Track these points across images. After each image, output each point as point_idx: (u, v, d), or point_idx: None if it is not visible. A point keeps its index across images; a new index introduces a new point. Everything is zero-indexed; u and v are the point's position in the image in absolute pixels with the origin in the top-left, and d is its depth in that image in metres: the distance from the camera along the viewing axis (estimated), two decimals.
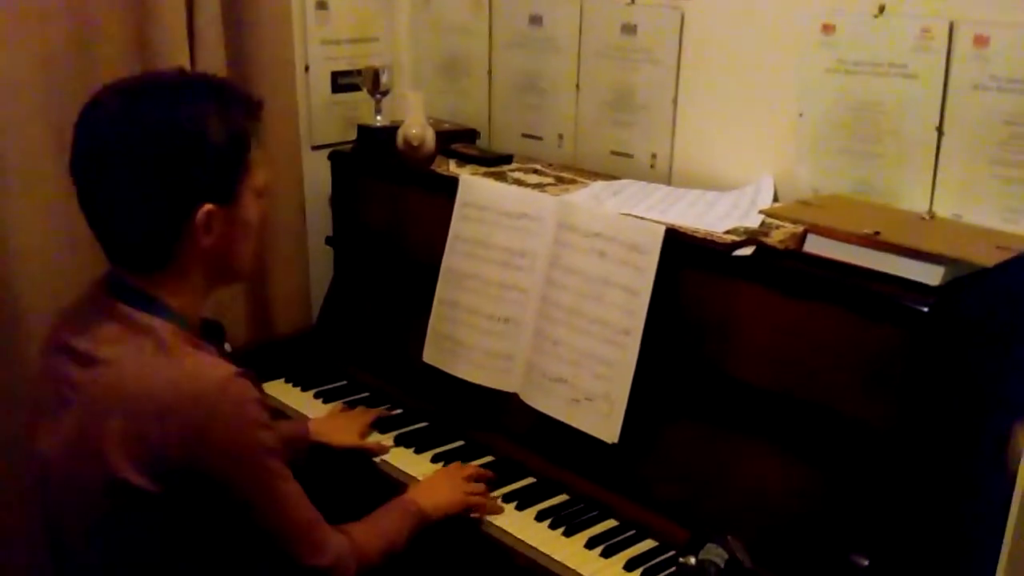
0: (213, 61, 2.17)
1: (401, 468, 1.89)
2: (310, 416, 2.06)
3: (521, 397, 1.90)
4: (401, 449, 1.95)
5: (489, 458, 1.90)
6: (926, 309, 1.44)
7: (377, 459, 1.93)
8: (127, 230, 1.38)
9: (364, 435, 1.99)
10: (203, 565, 1.38)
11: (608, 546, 1.64)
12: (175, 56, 2.08)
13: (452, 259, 2.03)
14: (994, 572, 1.36)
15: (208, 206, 1.36)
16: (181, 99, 1.36)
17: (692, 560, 0.97)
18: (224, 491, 1.33)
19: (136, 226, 1.37)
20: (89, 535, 1.37)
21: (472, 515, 1.73)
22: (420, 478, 1.84)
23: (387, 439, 1.98)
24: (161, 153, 1.32)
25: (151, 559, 1.35)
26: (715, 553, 0.96)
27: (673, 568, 1.45)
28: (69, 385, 1.37)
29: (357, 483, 1.92)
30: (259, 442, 1.36)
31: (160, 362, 1.33)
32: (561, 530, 1.68)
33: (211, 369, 1.35)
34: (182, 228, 1.36)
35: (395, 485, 1.86)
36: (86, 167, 1.36)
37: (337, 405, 2.11)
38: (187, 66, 2.11)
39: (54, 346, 1.43)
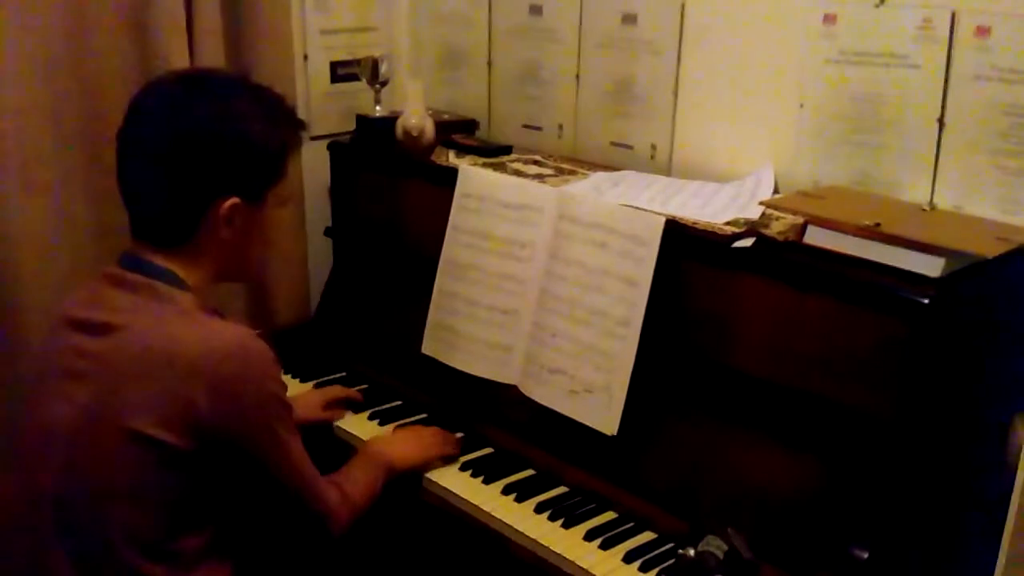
0: (212, 50, 2.16)
1: None
2: None
3: (520, 389, 1.89)
4: None
5: (488, 450, 1.90)
6: (926, 301, 1.44)
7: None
8: (154, 204, 1.46)
9: (328, 408, 2.05)
10: (216, 519, 1.46)
11: (607, 538, 1.63)
12: (173, 46, 2.08)
13: (451, 250, 2.02)
14: (994, 563, 1.35)
15: (235, 199, 1.45)
16: (233, 97, 1.46)
17: (691, 552, 0.97)
18: (248, 444, 1.42)
19: (162, 202, 1.45)
20: (109, 498, 1.39)
21: (433, 467, 1.83)
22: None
23: (387, 430, 1.97)
24: (203, 141, 1.42)
25: (169, 518, 1.40)
26: (714, 545, 0.96)
27: (672, 560, 1.45)
28: (81, 356, 1.42)
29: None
30: (281, 399, 1.47)
31: (183, 324, 1.42)
32: (560, 522, 1.68)
33: (235, 330, 1.45)
34: (207, 213, 1.45)
35: (399, 478, 1.86)
36: (129, 143, 1.46)
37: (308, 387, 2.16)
38: (185, 56, 2.11)
39: (61, 322, 1.48)
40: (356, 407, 2.07)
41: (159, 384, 1.36)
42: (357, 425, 2.01)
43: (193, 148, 1.41)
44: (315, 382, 2.18)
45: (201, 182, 1.43)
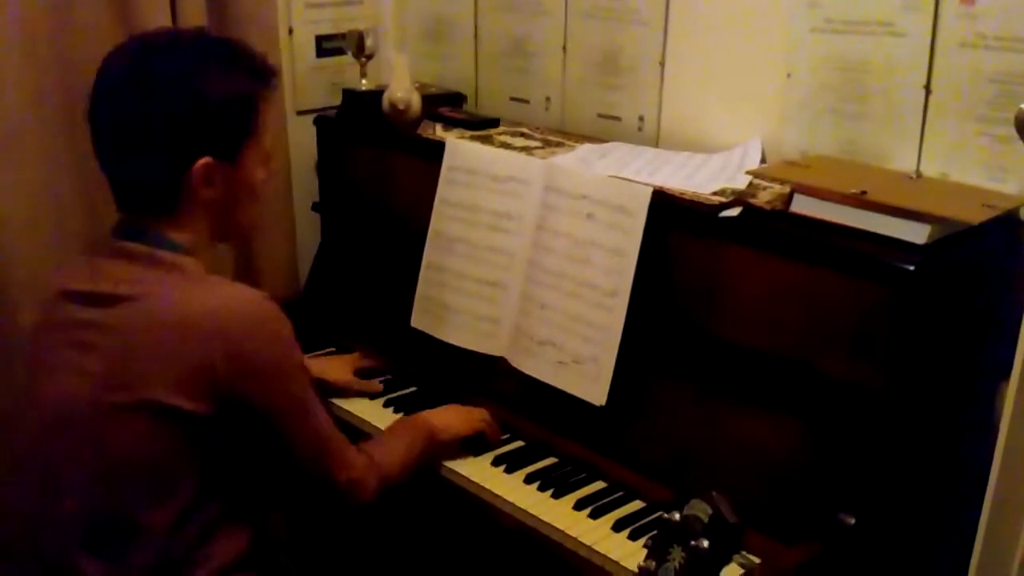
0: (195, 24, 2.14)
1: None
2: None
3: (509, 361, 1.90)
4: (391, 414, 1.95)
5: None
6: (912, 268, 1.44)
7: (365, 424, 1.93)
8: (131, 173, 1.46)
9: (360, 372, 2.06)
10: (234, 485, 1.46)
11: (596, 507, 1.64)
12: (156, 20, 2.06)
13: (439, 223, 2.02)
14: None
15: (206, 159, 1.43)
16: (189, 56, 1.44)
17: (676, 516, 0.97)
18: (265, 404, 1.42)
19: (139, 170, 1.44)
20: (125, 469, 1.39)
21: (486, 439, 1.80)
22: None
23: (377, 404, 1.98)
24: (162, 105, 1.40)
25: (187, 486, 1.41)
26: (699, 508, 0.97)
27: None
28: (89, 328, 1.41)
29: None
30: (297, 360, 1.48)
31: (192, 288, 1.42)
32: (550, 492, 1.69)
33: (245, 291, 1.45)
34: (182, 177, 1.43)
35: None
36: (97, 112, 1.45)
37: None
38: None
39: (58, 297, 1.47)
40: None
41: (173, 350, 1.36)
42: (345, 399, 2.01)
43: (154, 113, 1.40)
44: (304, 357, 2.17)
45: (169, 146, 1.42)
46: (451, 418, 1.80)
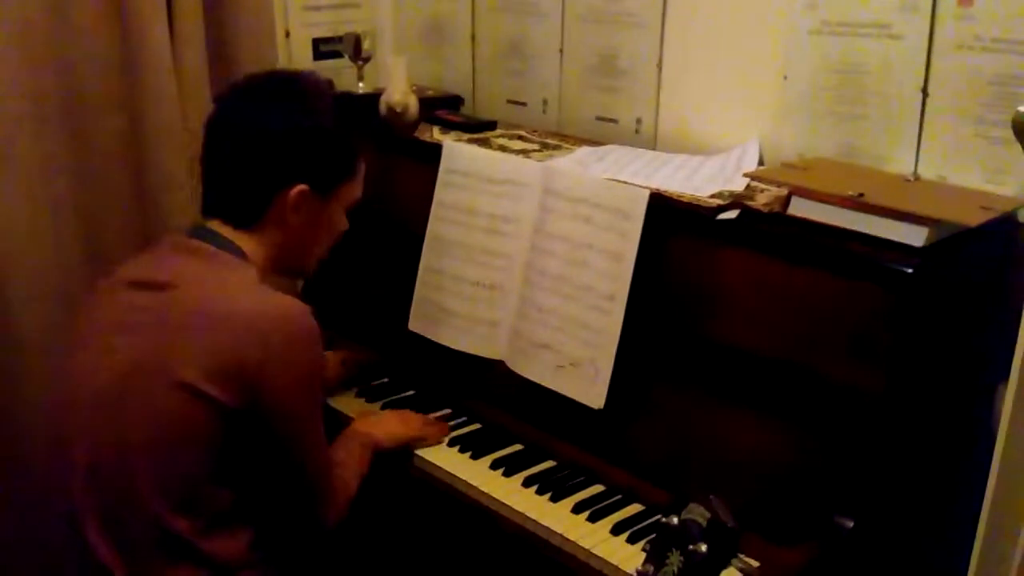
0: (192, 28, 2.14)
1: None
2: None
3: (507, 364, 1.89)
4: None
5: (476, 425, 1.90)
6: (911, 270, 1.44)
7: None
8: (231, 183, 1.55)
9: (348, 363, 2.09)
10: (239, 484, 1.48)
11: (595, 511, 1.64)
12: (153, 24, 2.06)
13: (437, 226, 2.02)
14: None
15: (303, 187, 1.54)
16: (317, 96, 1.58)
17: (674, 520, 0.97)
18: (284, 413, 1.45)
19: (239, 182, 1.55)
20: (148, 452, 1.41)
21: (420, 447, 1.82)
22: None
23: (375, 407, 1.98)
24: (280, 131, 1.52)
25: (201, 472, 1.43)
26: (697, 513, 0.96)
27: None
28: (135, 310, 1.47)
29: None
30: (317, 373, 1.53)
31: (243, 288, 1.48)
32: (548, 496, 1.69)
33: (288, 300, 1.49)
34: (276, 198, 1.54)
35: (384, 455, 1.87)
36: (216, 130, 1.56)
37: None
38: (165, 33, 2.09)
39: (118, 285, 1.52)
40: (344, 382, 2.06)
41: (214, 338, 1.40)
42: (344, 402, 2.01)
43: (272, 136, 1.51)
44: None
45: (275, 167, 1.53)
46: (392, 426, 1.83)
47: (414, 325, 2.05)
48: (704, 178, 1.81)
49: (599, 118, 2.24)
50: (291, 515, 1.58)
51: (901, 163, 1.76)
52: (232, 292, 1.47)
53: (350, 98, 2.34)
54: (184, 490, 1.43)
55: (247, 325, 1.42)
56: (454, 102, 2.47)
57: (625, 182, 1.76)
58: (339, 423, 1.94)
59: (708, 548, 0.96)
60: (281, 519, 1.57)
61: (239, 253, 1.53)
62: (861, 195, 1.53)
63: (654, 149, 2.11)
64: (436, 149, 2.04)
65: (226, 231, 1.55)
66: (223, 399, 1.39)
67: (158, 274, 1.50)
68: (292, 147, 1.53)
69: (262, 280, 1.54)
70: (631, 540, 1.57)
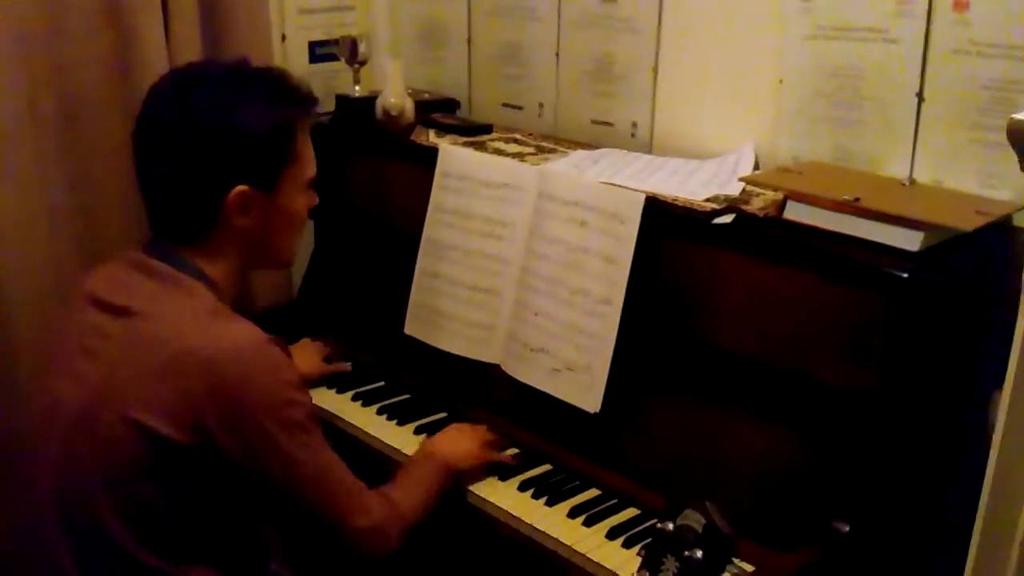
0: (187, 32, 2.14)
1: (384, 440, 1.89)
2: None
3: (503, 368, 1.89)
4: (384, 421, 1.95)
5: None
6: (906, 275, 1.44)
7: (359, 431, 1.93)
8: (167, 200, 1.48)
9: (328, 358, 2.11)
10: (228, 522, 1.45)
11: (590, 515, 1.64)
12: (148, 28, 2.06)
13: (432, 230, 2.02)
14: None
15: (242, 188, 1.44)
16: (231, 89, 1.45)
17: (670, 526, 0.97)
18: (263, 451, 1.38)
19: (174, 198, 1.47)
20: (107, 485, 1.38)
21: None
22: (404, 450, 1.83)
23: (371, 411, 1.97)
24: (198, 134, 1.42)
25: (173, 513, 1.39)
26: (693, 519, 0.96)
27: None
28: (99, 335, 1.42)
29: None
30: (292, 400, 1.42)
31: (200, 320, 1.41)
32: (544, 500, 1.69)
33: (245, 333, 1.42)
34: (217, 206, 1.45)
35: (381, 459, 1.86)
36: (139, 140, 1.48)
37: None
38: (161, 36, 2.09)
39: (84, 300, 1.47)
40: (340, 386, 2.07)
41: (164, 378, 1.35)
42: (339, 405, 2.01)
43: (191, 144, 1.42)
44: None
45: (205, 176, 1.44)
46: (462, 448, 1.74)
47: (410, 329, 2.05)
48: (699, 182, 1.81)
49: (595, 122, 2.24)
50: (323, 543, 1.51)
51: (896, 167, 1.76)
52: (186, 326, 1.39)
53: (344, 100, 2.34)
54: (148, 524, 1.38)
55: (197, 366, 1.35)
56: (450, 105, 2.47)
57: (621, 186, 1.76)
58: (334, 428, 1.95)
59: (704, 554, 0.96)
60: (321, 548, 1.52)
61: (196, 273, 1.46)
62: (856, 199, 1.53)
63: (650, 153, 2.11)
64: (432, 153, 2.04)
65: (181, 250, 1.47)
66: (181, 439, 1.34)
67: (117, 296, 1.44)
68: (215, 149, 1.43)
69: (228, 293, 1.49)
70: (626, 545, 1.57)
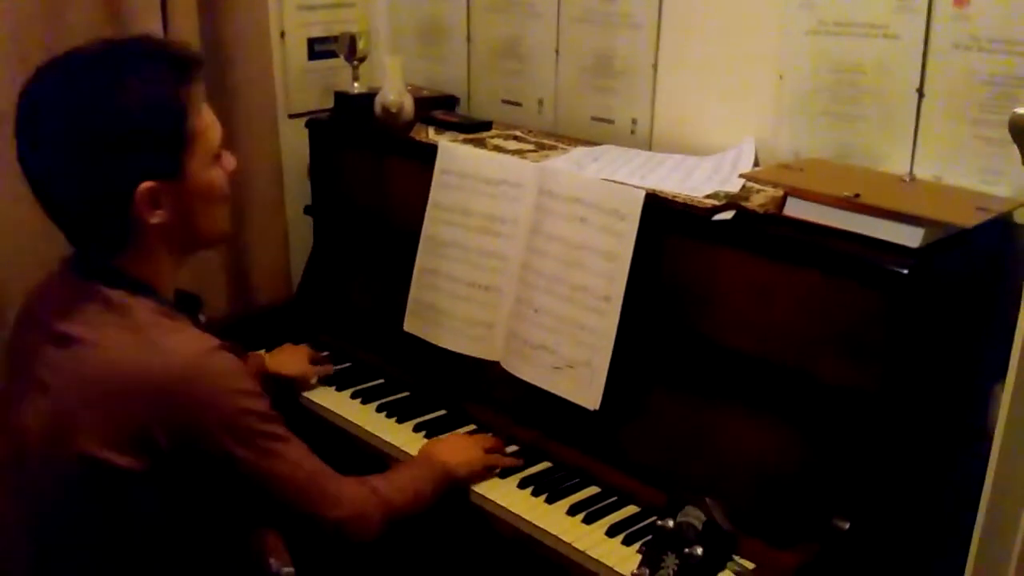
0: (187, 28, 2.14)
1: (383, 438, 1.89)
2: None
3: (503, 365, 1.89)
4: (383, 419, 1.94)
5: (472, 427, 1.90)
6: (906, 271, 1.44)
7: (358, 429, 1.93)
8: (74, 219, 1.35)
9: (314, 361, 2.10)
10: (202, 539, 1.39)
11: (590, 512, 1.64)
12: (147, 23, 2.05)
13: (432, 227, 2.01)
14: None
15: (147, 184, 1.31)
16: (101, 78, 1.30)
17: (670, 523, 0.97)
18: (225, 463, 1.32)
19: (80, 215, 1.34)
20: (70, 519, 1.34)
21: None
22: (403, 448, 1.83)
23: (370, 409, 1.97)
24: (84, 137, 1.28)
25: (143, 540, 1.34)
26: (693, 515, 0.96)
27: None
28: (46, 367, 1.34)
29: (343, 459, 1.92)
30: (246, 409, 1.35)
31: (138, 342, 1.31)
32: (543, 497, 1.68)
33: (187, 345, 1.33)
34: (127, 211, 1.32)
35: (379, 456, 1.86)
36: (25, 161, 1.34)
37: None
38: (160, 34, 2.08)
39: (32, 321, 1.41)
40: (339, 383, 2.07)
41: (109, 406, 1.28)
42: (339, 402, 2.01)
43: (76, 153, 1.29)
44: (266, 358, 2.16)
45: (102, 184, 1.31)
46: (462, 454, 1.72)
47: (409, 326, 2.05)
48: (700, 179, 1.81)
49: (595, 118, 2.23)
50: (319, 539, 1.48)
51: (897, 164, 1.76)
52: (123, 347, 1.30)
53: (343, 97, 2.34)
54: (127, 552, 1.34)
55: (140, 388, 1.28)
56: (449, 102, 2.47)
57: (621, 183, 1.76)
58: (333, 425, 1.95)
59: (704, 551, 0.96)
60: (320, 544, 1.49)
61: (129, 284, 1.35)
62: (857, 196, 1.52)
63: (650, 150, 2.10)
64: (431, 149, 2.03)
65: (106, 259, 1.36)
66: (128, 466, 1.27)
67: (59, 323, 1.34)
68: (102, 151, 1.28)
69: (166, 293, 1.40)
70: (626, 542, 1.57)
